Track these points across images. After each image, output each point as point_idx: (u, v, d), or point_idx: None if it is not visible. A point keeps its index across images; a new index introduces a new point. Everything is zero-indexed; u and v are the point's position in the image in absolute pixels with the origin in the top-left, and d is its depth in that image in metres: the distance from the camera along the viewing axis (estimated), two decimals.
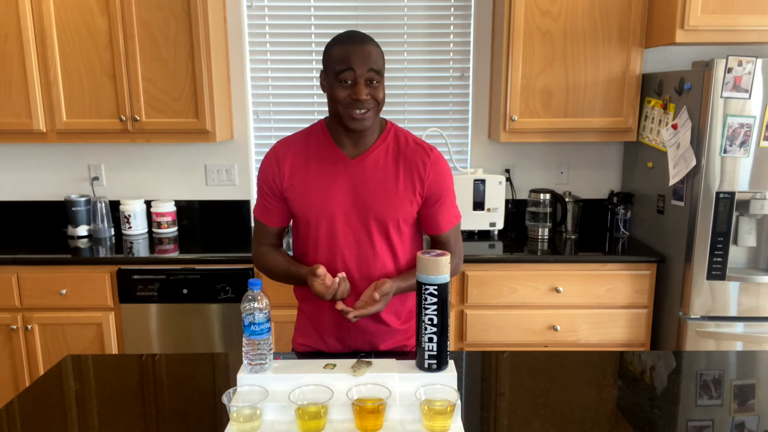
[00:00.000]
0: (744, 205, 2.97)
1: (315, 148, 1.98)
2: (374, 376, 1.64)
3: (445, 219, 2.03)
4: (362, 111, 1.85)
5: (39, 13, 3.26)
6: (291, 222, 2.10)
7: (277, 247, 2.12)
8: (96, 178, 3.85)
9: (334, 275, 1.90)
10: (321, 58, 1.90)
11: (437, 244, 2.07)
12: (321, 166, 1.96)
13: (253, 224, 2.08)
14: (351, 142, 1.96)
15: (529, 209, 3.64)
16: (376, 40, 1.97)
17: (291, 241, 2.14)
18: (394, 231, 1.98)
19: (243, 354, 1.67)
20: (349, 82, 1.83)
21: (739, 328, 3.07)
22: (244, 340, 1.65)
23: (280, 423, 1.57)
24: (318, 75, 3.29)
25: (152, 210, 3.73)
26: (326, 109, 3.38)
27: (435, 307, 1.65)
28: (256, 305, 1.63)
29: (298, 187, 1.96)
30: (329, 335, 2.09)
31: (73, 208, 3.65)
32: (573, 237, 3.61)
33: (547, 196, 3.57)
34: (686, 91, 3.02)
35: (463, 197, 3.51)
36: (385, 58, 1.97)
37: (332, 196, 1.94)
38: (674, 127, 3.08)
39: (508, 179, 3.81)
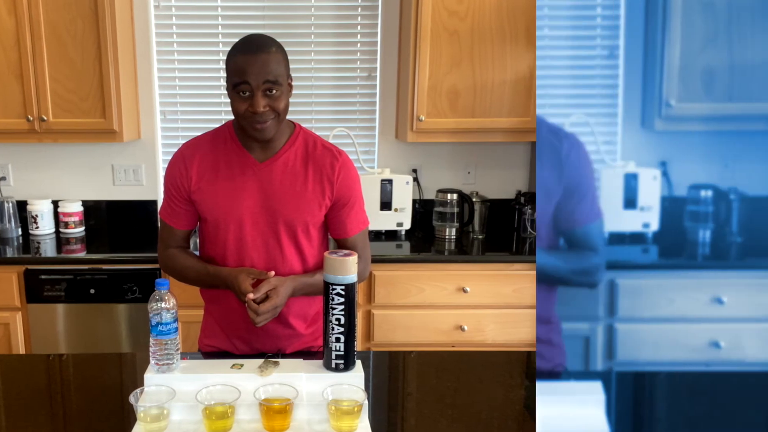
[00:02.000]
0: None
1: (223, 150, 1.96)
2: (281, 376, 1.64)
3: (352, 223, 2.03)
4: (261, 122, 1.82)
5: None
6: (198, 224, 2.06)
7: (185, 249, 2.09)
8: (3, 178, 3.75)
9: None
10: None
11: (344, 248, 2.04)
12: (229, 169, 1.94)
13: (159, 225, 2.06)
14: (259, 146, 1.94)
15: (436, 209, 3.65)
16: (284, 40, 1.94)
17: (197, 241, 2.11)
18: (303, 235, 1.98)
19: (150, 354, 1.66)
20: (247, 93, 1.80)
21: None
22: (151, 340, 1.64)
23: (187, 423, 1.56)
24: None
25: (59, 210, 3.65)
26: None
27: (342, 307, 1.64)
28: (163, 305, 1.63)
29: (206, 190, 1.94)
30: (236, 338, 2.08)
31: None
32: (480, 237, 3.65)
33: (455, 196, 3.59)
34: None
35: (371, 197, 3.48)
36: (293, 58, 1.94)
37: (241, 200, 1.93)
38: None
39: (416, 179, 3.82)
